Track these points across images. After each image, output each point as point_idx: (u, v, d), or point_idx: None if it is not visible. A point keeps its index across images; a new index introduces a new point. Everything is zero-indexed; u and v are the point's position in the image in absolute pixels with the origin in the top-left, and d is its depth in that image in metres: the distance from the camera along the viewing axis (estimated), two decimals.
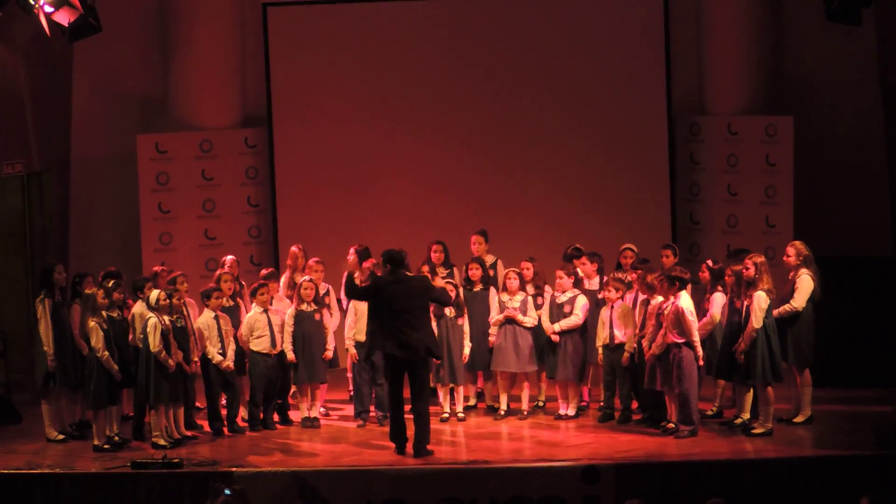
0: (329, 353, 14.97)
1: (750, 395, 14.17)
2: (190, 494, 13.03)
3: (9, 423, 15.32)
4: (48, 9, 14.25)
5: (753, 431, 13.92)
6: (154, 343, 13.98)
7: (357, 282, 14.33)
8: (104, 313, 14.15)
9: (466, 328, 14.92)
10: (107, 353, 14.04)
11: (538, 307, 14.95)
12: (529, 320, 14.88)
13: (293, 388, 15.12)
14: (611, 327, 14.57)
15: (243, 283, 15.48)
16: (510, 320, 14.85)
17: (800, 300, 14.15)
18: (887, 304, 15.69)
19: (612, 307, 14.59)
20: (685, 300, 13.94)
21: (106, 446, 14.10)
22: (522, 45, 17.70)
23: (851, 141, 17.52)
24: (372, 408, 14.96)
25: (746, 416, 14.20)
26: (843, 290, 15.43)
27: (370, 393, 14.97)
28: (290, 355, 14.79)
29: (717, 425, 14.37)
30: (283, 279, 15.60)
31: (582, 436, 14.27)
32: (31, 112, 17.19)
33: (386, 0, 17.81)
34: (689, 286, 14.15)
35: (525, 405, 14.97)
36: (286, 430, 14.81)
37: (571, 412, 14.88)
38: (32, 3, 14.25)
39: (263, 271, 15.47)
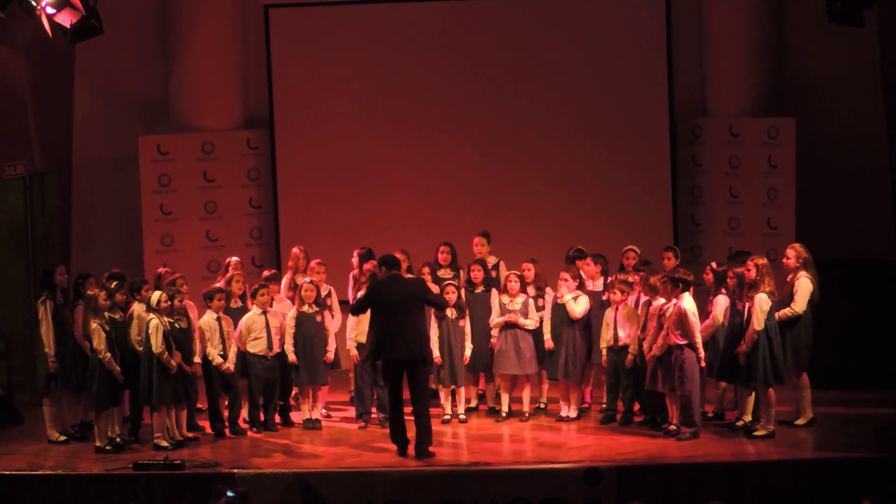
0: (330, 355, 14.95)
1: (752, 398, 14.17)
2: (192, 496, 13.03)
3: (10, 425, 15.33)
4: (50, 10, 14.26)
5: (755, 433, 13.91)
6: (156, 344, 13.97)
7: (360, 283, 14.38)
8: (106, 315, 14.15)
9: (468, 330, 14.90)
10: (109, 354, 14.03)
11: (539, 309, 14.95)
12: (531, 323, 14.87)
13: (295, 390, 15.11)
14: (615, 329, 14.57)
15: (246, 284, 15.47)
16: (511, 324, 14.86)
17: (800, 304, 14.14)
18: (889, 307, 15.70)
19: (617, 309, 14.59)
20: (688, 301, 13.93)
21: (108, 447, 14.10)
22: (525, 48, 17.69)
23: (853, 143, 17.50)
24: (373, 409, 14.96)
25: (748, 418, 14.19)
26: (845, 293, 15.45)
27: (371, 394, 14.96)
28: (292, 357, 14.78)
29: (718, 427, 14.36)
30: (285, 280, 15.59)
31: (583, 438, 14.26)
32: (32, 114, 17.19)
33: (388, 1, 17.82)
34: (692, 288, 14.16)
35: (526, 407, 14.96)
36: (288, 432, 14.81)
37: (573, 414, 14.87)
38: (34, 4, 14.27)
39: (266, 273, 15.47)
